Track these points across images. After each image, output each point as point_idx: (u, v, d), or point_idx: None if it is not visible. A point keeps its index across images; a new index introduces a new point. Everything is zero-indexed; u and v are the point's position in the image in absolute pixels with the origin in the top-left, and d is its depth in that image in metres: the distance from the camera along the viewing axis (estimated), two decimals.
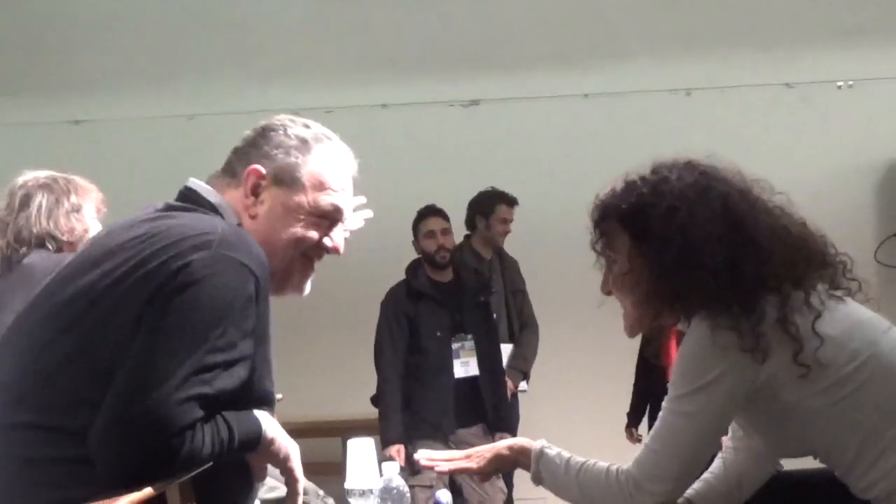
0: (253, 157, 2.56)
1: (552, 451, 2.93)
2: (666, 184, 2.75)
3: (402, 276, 6.61)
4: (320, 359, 7.98)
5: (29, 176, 3.89)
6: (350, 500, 2.89)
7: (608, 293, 2.88)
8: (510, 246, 7.39)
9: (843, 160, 8.17)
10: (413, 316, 6.46)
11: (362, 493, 2.88)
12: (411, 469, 6.00)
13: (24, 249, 3.74)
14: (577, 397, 6.87)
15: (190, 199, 2.53)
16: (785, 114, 8.21)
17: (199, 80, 8.30)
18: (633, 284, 2.78)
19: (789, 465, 3.01)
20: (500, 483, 6.47)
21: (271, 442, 2.37)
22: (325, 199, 2.57)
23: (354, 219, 2.78)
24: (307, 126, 2.62)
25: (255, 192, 2.54)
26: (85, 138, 8.41)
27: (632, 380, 6.77)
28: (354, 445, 2.99)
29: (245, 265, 2.29)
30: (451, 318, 6.50)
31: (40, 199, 3.79)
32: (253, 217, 2.53)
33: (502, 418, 6.58)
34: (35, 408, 2.23)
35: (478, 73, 8.32)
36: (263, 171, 2.53)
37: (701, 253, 2.65)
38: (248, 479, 2.43)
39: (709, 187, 2.74)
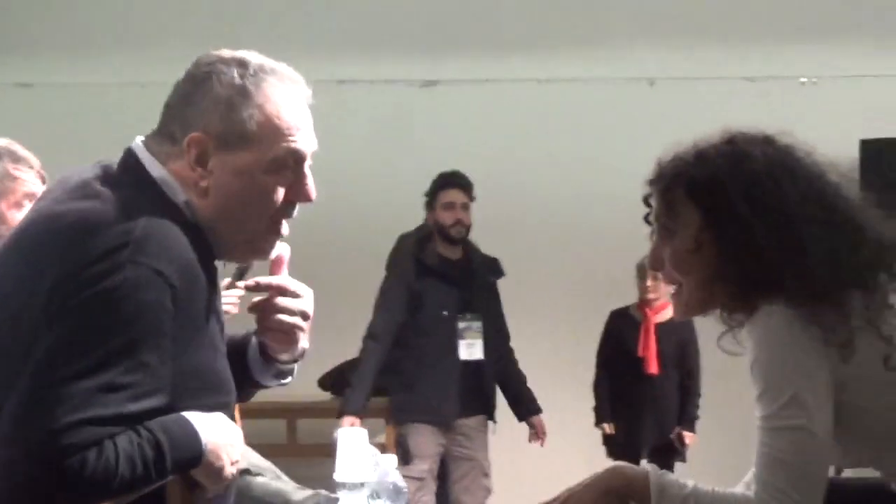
0: (191, 117, 2.24)
1: (670, 479, 2.53)
2: (748, 159, 2.53)
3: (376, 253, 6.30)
4: None
5: None
6: (339, 493, 2.65)
7: (659, 269, 2.66)
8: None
9: None
10: (419, 291, 6.10)
11: (353, 487, 2.64)
12: (401, 458, 5.66)
13: None
14: (552, 391, 6.70)
15: (130, 170, 2.26)
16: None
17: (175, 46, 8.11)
18: (702, 263, 2.55)
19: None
20: (486, 482, 6.25)
21: (210, 456, 2.19)
22: (282, 147, 2.25)
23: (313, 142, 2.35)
24: (242, 65, 2.26)
25: (201, 162, 2.23)
26: (33, 102, 8.18)
27: None
28: (345, 435, 2.72)
29: (160, 273, 2.08)
30: (459, 297, 6.15)
31: None
32: (204, 191, 2.24)
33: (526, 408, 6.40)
34: None
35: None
36: (205, 136, 2.22)
37: (800, 234, 2.45)
38: None
39: (795, 167, 2.55)
